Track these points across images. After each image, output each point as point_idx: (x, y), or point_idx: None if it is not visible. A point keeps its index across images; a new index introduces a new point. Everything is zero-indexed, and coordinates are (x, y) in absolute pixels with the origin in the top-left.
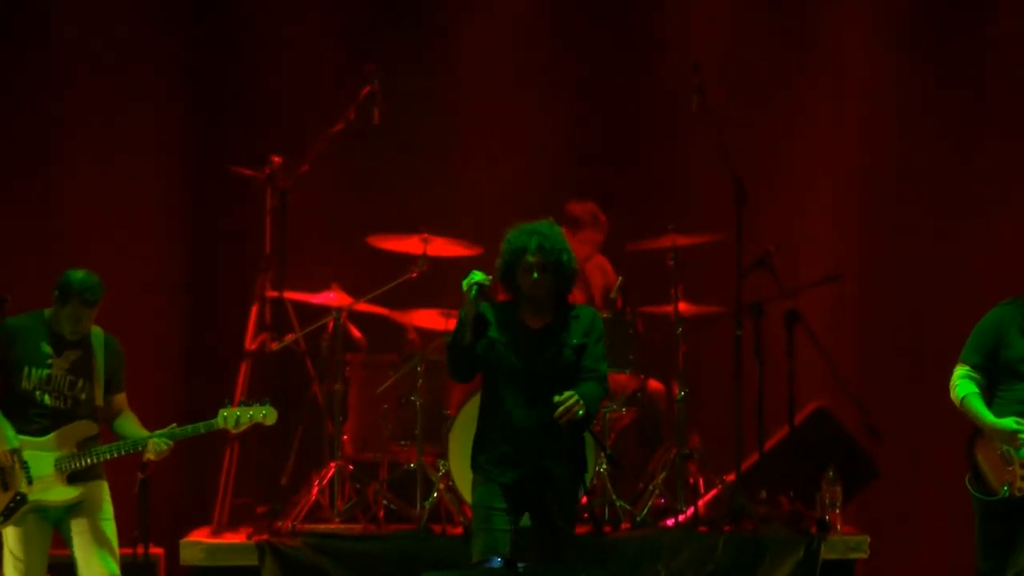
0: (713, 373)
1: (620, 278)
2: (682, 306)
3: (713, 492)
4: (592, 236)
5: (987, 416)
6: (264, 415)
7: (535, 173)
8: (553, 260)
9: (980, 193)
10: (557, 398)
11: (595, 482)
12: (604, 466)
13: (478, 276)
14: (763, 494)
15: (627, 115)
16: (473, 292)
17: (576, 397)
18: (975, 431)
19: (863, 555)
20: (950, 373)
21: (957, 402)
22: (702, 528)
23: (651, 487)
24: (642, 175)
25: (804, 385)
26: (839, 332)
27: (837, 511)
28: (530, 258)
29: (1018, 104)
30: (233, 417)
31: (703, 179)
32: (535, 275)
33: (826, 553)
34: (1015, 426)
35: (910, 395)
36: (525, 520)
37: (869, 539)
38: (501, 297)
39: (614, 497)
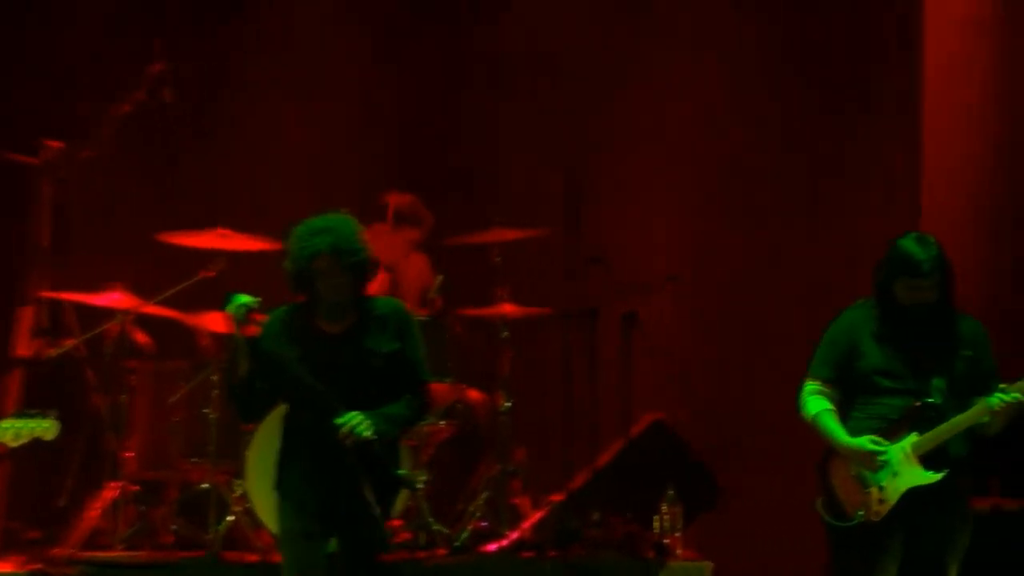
0: (541, 382)
1: (440, 277)
2: (507, 308)
3: (540, 514)
4: (412, 234)
5: (841, 435)
6: (45, 428)
7: (349, 163)
8: (350, 261)
9: (831, 186)
10: (339, 420)
11: (410, 503)
12: (419, 485)
13: (244, 299)
14: (595, 516)
15: (449, 101)
16: (243, 316)
17: (360, 418)
18: (828, 451)
19: None
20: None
21: (808, 420)
22: (527, 554)
23: (471, 508)
24: (465, 164)
25: (641, 396)
26: (679, 337)
27: (677, 534)
28: (325, 260)
29: (862, 92)
30: (12, 430)
31: (532, 170)
32: (334, 278)
33: None
34: (872, 446)
35: (758, 406)
36: (333, 545)
37: (712, 565)
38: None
39: (430, 519)
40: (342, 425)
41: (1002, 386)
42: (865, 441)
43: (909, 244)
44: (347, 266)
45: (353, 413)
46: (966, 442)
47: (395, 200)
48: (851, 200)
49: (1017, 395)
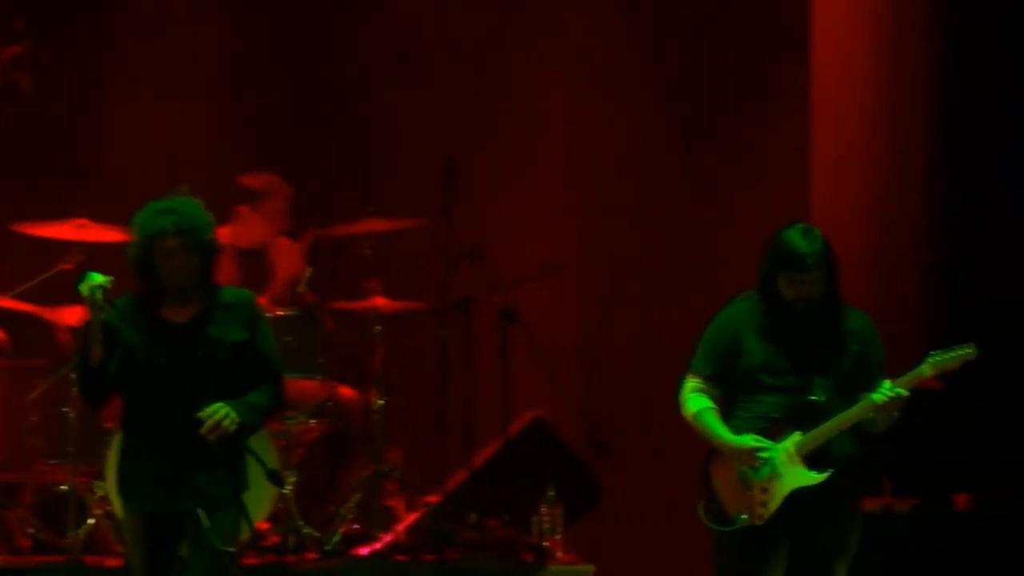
0: (415, 378)
1: (309, 269)
2: (380, 302)
3: (414, 516)
4: (277, 207)
5: (723, 433)
6: None
7: (213, 151)
8: (196, 240)
9: (718, 178)
10: (204, 411)
11: (279, 505)
12: (288, 486)
13: (98, 278)
14: (472, 518)
15: (321, 89)
16: (98, 296)
17: (226, 410)
18: (710, 452)
19: None
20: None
21: (689, 419)
22: (401, 557)
23: (343, 510)
24: (336, 151)
25: (520, 393)
26: (560, 332)
27: (557, 537)
28: (169, 241)
29: (755, 85)
30: None
31: (406, 157)
32: (178, 259)
33: None
34: (755, 443)
35: (642, 404)
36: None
37: (593, 569)
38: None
39: (300, 522)
40: (202, 417)
41: (887, 381)
42: (747, 439)
43: (793, 237)
44: (192, 246)
45: (217, 404)
46: (852, 441)
47: (252, 180)
48: (741, 193)
49: (900, 390)
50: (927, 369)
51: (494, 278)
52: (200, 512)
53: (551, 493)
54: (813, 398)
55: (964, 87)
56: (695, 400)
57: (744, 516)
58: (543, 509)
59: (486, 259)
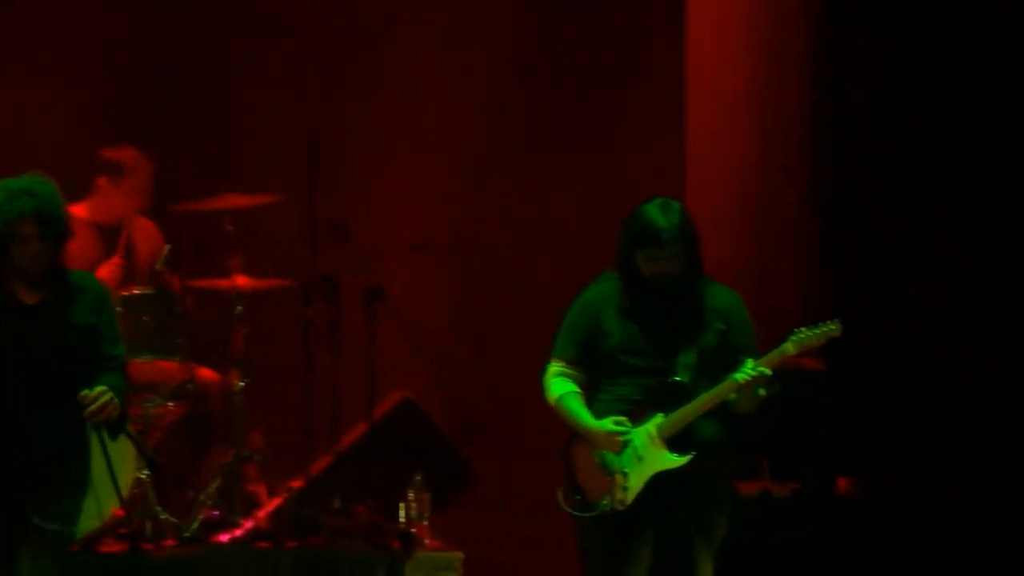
0: (279, 359)
1: (167, 246)
2: (241, 280)
3: (277, 501)
4: (138, 182)
5: (585, 418)
6: None
7: (71, 124)
8: (53, 227)
9: (591, 151)
10: (87, 392)
11: (136, 490)
12: (146, 471)
13: None
14: (337, 503)
15: (182, 59)
16: None
17: (110, 394)
18: (571, 437)
19: (455, 575)
20: None
21: (552, 404)
22: (263, 544)
23: (202, 496)
24: (193, 123)
25: (388, 374)
26: (430, 311)
27: (424, 523)
28: (28, 225)
29: (631, 58)
30: None
31: (269, 132)
32: (34, 244)
33: (411, 573)
34: (614, 427)
35: (514, 386)
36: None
37: (462, 556)
38: None
39: (157, 508)
40: (50, 397)
41: (749, 360)
42: (607, 423)
43: (650, 211)
44: (49, 233)
45: (99, 388)
46: (717, 423)
47: (113, 153)
48: (616, 169)
49: (763, 369)
50: (790, 347)
51: (360, 256)
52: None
53: (419, 478)
54: (676, 379)
55: (839, 57)
56: (558, 384)
57: (605, 502)
58: (411, 494)
59: (352, 236)
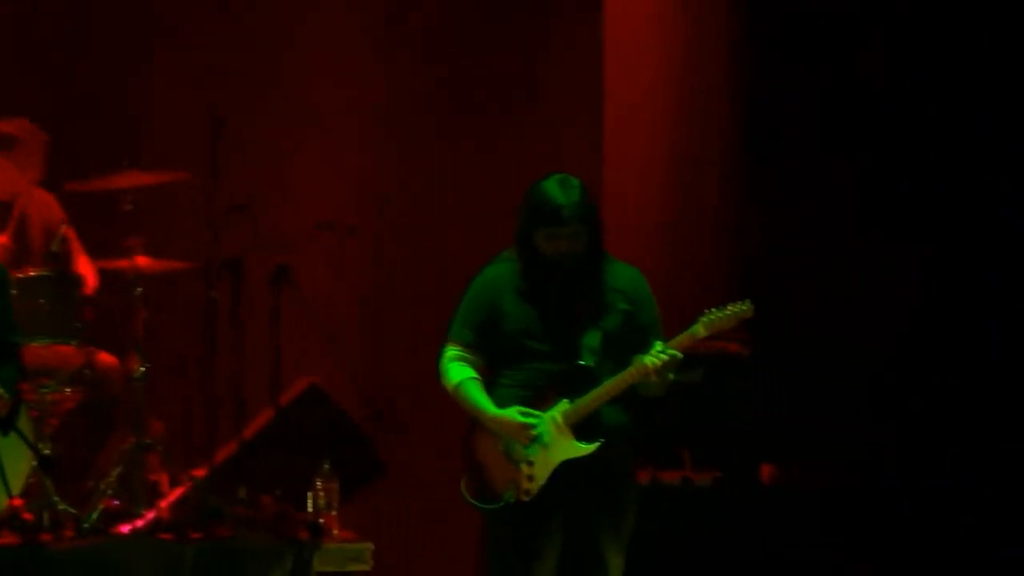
0: (181, 344)
1: (63, 225)
2: (141, 261)
3: (179, 491)
4: (30, 155)
5: (487, 406)
6: None
7: None
8: None
9: (504, 128)
10: None
11: (32, 479)
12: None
13: None
14: (242, 492)
15: (77, 28)
16: None
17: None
18: (472, 425)
19: (365, 567)
20: None
21: (451, 390)
22: (165, 535)
23: (102, 485)
24: (88, 95)
25: (295, 359)
26: (337, 293)
27: (333, 513)
28: None
29: (542, 33)
30: None
31: (172, 108)
32: None
33: (320, 564)
34: (521, 418)
35: (425, 370)
36: None
37: (372, 547)
38: None
39: (55, 498)
40: None
41: (658, 343)
42: (513, 412)
43: (549, 188)
44: None
45: None
46: (622, 407)
47: (2, 125)
48: (532, 148)
49: (673, 351)
50: (701, 329)
51: (265, 237)
52: None
53: (327, 466)
54: (580, 363)
55: (761, 32)
56: (456, 370)
57: (510, 493)
58: (318, 483)
59: (256, 216)
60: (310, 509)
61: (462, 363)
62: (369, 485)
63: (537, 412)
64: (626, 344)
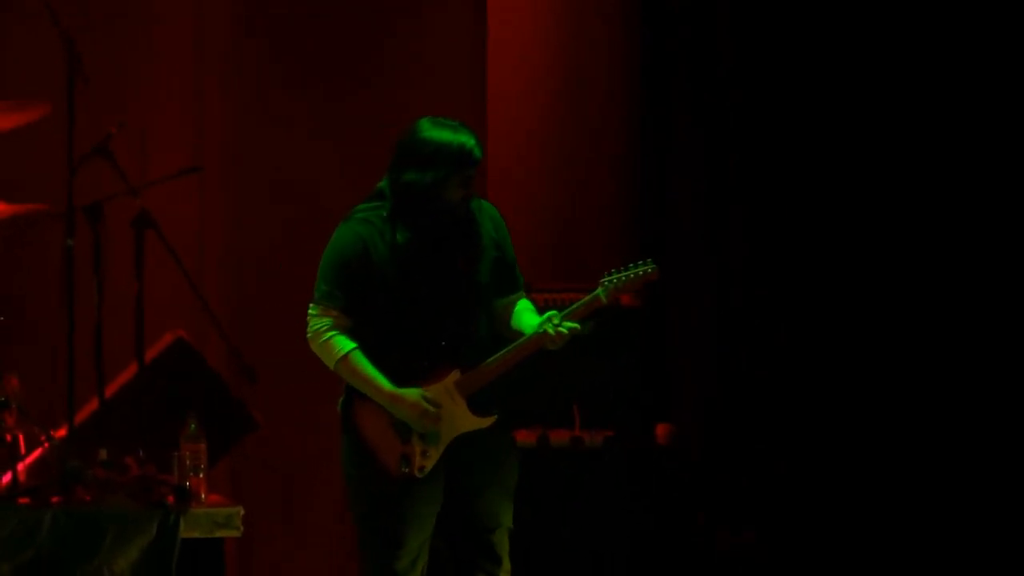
0: (36, 294)
1: None
2: None
3: (37, 452)
4: None
5: (384, 383)
6: None
7: None
8: None
9: (379, 72)
10: None
11: None
12: None
13: None
14: (104, 454)
15: None
16: None
17: None
18: (352, 395)
19: (235, 532)
20: None
21: (334, 360)
22: (22, 500)
23: None
24: None
25: (160, 311)
26: (204, 240)
27: (201, 476)
28: None
29: None
30: None
31: (21, 37)
32: None
33: (187, 530)
34: (425, 404)
35: (294, 324)
36: None
37: (242, 511)
38: None
39: None
40: None
41: (554, 312)
42: (416, 395)
43: (455, 131)
44: None
45: None
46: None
47: None
48: (411, 93)
49: (573, 324)
50: (602, 295)
51: (127, 179)
52: None
53: (193, 425)
54: (471, 330)
55: None
56: (338, 340)
57: (405, 470)
58: (184, 444)
59: (116, 157)
60: (176, 472)
61: (340, 331)
62: (240, 445)
63: (434, 391)
64: (495, 290)
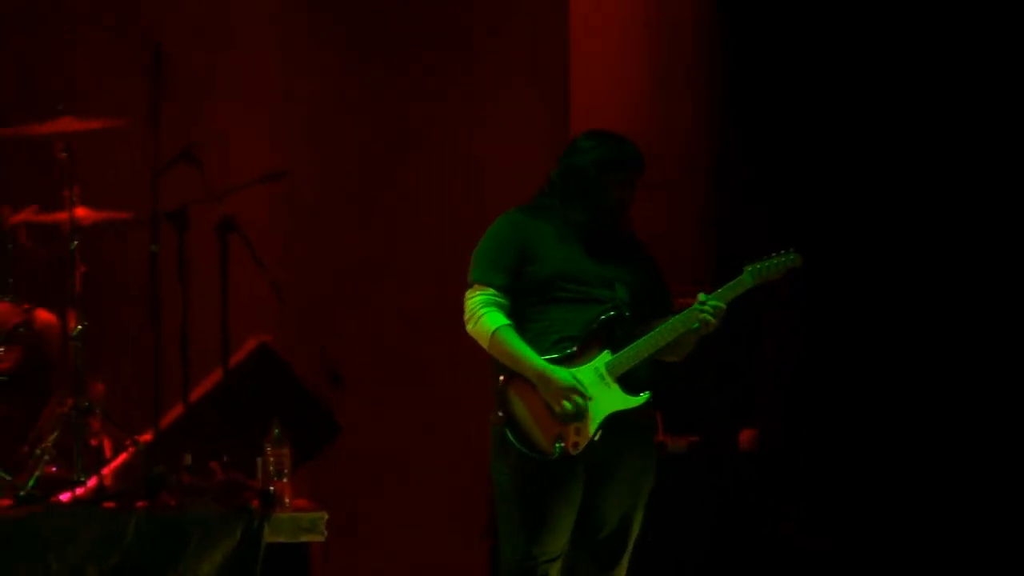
0: (122, 300)
1: None
2: (80, 212)
3: (123, 457)
4: None
5: (534, 358)
6: None
7: None
8: None
9: (463, 70)
10: None
11: None
12: None
13: None
14: (189, 459)
15: None
16: None
17: None
18: (510, 375)
19: (319, 536)
20: (427, 300)
21: (485, 336)
22: (108, 504)
23: (39, 451)
24: (19, 36)
25: (244, 316)
26: (289, 246)
27: (285, 480)
28: None
29: None
30: None
31: (106, 45)
32: None
33: (271, 535)
34: (574, 382)
35: (374, 329)
36: None
37: (326, 516)
38: None
39: None
40: None
41: (701, 294)
42: (565, 375)
43: (617, 139)
44: None
45: None
46: (650, 368)
47: None
48: (497, 91)
49: (718, 302)
50: (748, 279)
51: (210, 185)
52: None
53: (277, 431)
54: (624, 313)
55: None
56: (492, 316)
57: (560, 445)
58: (269, 449)
59: (202, 163)
60: (261, 477)
61: (495, 308)
62: (324, 450)
63: (577, 362)
64: (646, 295)
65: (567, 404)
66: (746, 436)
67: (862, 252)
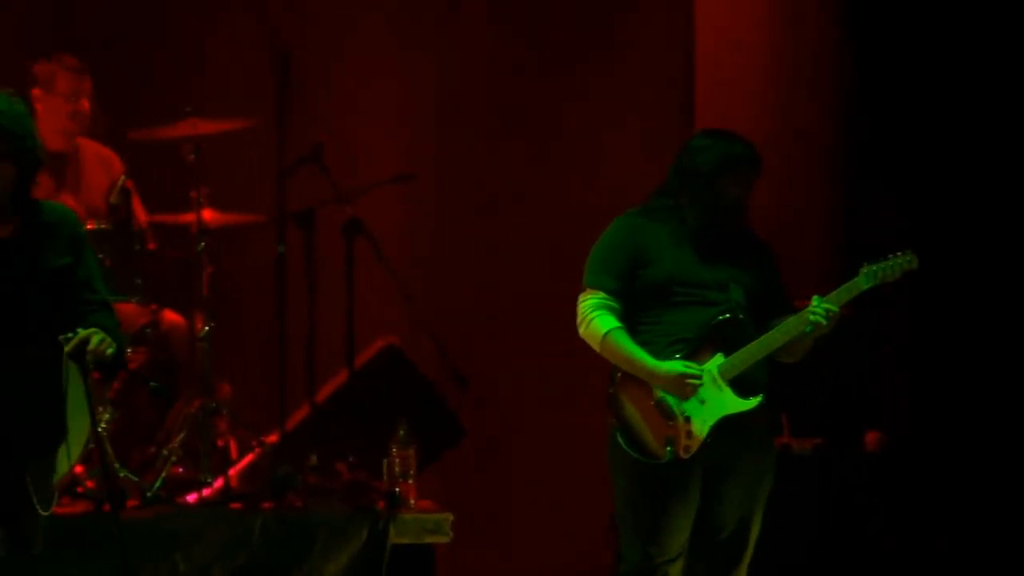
0: (249, 301)
1: (123, 176)
2: (207, 214)
3: (249, 458)
4: (76, 85)
5: (645, 357)
6: None
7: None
8: (18, 146)
9: (587, 74)
10: (83, 331)
11: (92, 446)
12: (103, 425)
13: None
14: (315, 460)
15: None
16: None
17: (101, 334)
18: (621, 377)
19: (444, 538)
20: (553, 306)
21: (597, 339)
22: (235, 505)
23: (166, 452)
24: (148, 41)
25: (369, 317)
26: (414, 247)
27: (411, 482)
28: None
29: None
30: None
31: (233, 48)
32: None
33: (397, 536)
34: (685, 368)
35: (504, 331)
36: None
37: (451, 517)
38: None
39: (117, 465)
40: (17, 341)
41: (816, 297)
42: (676, 365)
43: (733, 138)
44: (12, 152)
45: (91, 329)
46: (766, 369)
47: (45, 63)
48: (616, 93)
49: (831, 306)
50: (863, 281)
51: (336, 187)
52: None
53: (403, 432)
54: (738, 316)
55: None
56: (603, 319)
57: (669, 449)
58: (395, 450)
59: (328, 165)
60: (386, 478)
61: (607, 311)
62: (449, 451)
63: (696, 365)
64: (761, 299)
65: (688, 392)
66: (872, 438)
67: (990, 250)
